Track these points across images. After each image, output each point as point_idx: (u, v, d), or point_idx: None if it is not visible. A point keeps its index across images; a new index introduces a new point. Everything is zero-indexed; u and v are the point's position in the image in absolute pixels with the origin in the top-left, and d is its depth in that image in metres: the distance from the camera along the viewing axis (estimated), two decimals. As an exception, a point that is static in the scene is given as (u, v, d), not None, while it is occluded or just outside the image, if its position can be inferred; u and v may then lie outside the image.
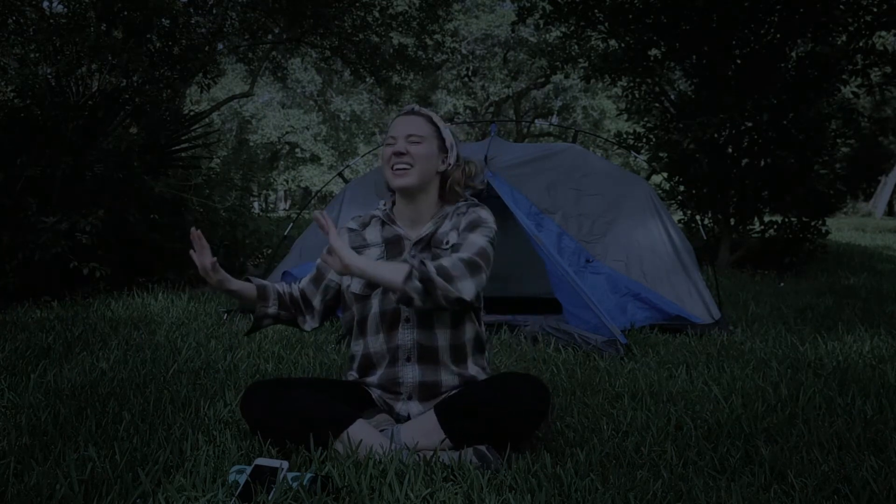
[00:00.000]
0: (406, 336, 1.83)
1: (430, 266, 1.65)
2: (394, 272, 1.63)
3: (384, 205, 1.96)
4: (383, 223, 1.93)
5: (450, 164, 1.89)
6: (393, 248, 1.89)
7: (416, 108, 1.91)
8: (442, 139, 1.88)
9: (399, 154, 1.81)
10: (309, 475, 1.51)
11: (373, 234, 1.94)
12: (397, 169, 1.81)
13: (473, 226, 1.82)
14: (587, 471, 1.63)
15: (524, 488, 1.52)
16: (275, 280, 4.09)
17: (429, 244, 1.87)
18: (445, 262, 1.68)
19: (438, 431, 1.69)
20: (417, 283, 1.61)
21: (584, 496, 1.49)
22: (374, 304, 1.86)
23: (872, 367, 2.74)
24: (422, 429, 1.71)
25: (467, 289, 1.67)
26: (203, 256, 1.73)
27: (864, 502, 1.50)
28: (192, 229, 1.71)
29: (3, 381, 2.39)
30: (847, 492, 1.54)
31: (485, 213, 1.87)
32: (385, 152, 1.84)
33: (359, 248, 1.91)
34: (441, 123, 1.90)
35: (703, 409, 2.15)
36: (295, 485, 1.48)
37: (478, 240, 1.78)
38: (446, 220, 1.89)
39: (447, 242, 1.84)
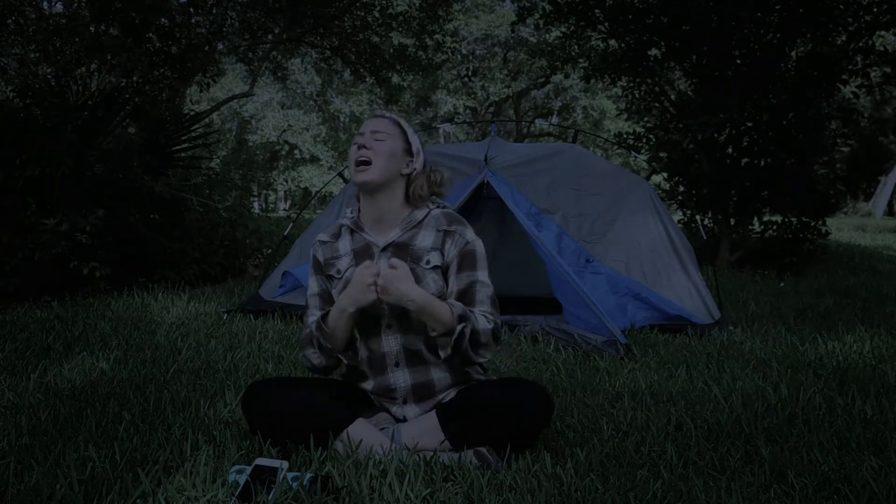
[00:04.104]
0: (391, 343, 1.82)
1: (470, 326, 1.71)
2: (444, 309, 1.69)
3: (350, 212, 1.95)
4: (352, 231, 1.91)
5: (415, 169, 1.88)
6: (362, 256, 1.86)
7: (386, 112, 1.94)
8: (408, 143, 1.88)
9: (362, 147, 1.81)
10: (309, 475, 1.51)
11: (344, 244, 1.91)
12: (359, 162, 1.81)
13: (473, 262, 1.81)
14: (587, 471, 1.63)
15: (524, 488, 1.52)
16: (274, 279, 4.11)
17: (398, 251, 1.83)
18: (480, 326, 1.73)
19: (439, 432, 1.69)
20: (467, 331, 1.69)
21: (584, 496, 1.49)
22: None
23: (872, 367, 2.74)
24: (422, 429, 1.72)
25: (487, 356, 1.79)
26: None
27: (864, 502, 1.50)
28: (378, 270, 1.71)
29: (3, 381, 2.39)
30: (847, 492, 1.54)
31: (472, 236, 1.84)
32: (351, 150, 1.85)
33: (331, 260, 1.89)
34: (409, 128, 1.91)
35: (703, 409, 2.15)
36: (295, 485, 1.48)
37: (487, 287, 1.80)
38: (419, 228, 1.85)
39: (428, 262, 1.80)
